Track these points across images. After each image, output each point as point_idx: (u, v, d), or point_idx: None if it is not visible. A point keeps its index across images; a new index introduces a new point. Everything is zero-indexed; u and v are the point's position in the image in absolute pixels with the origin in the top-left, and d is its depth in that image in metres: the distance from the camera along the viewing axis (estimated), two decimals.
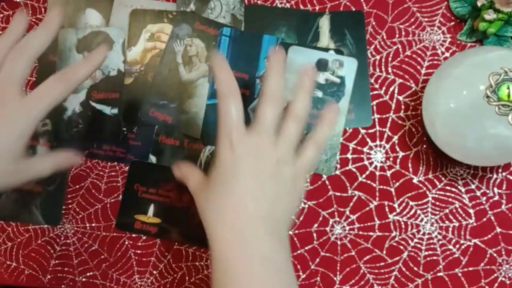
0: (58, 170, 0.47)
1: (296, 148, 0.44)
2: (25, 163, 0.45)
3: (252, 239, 0.40)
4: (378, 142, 0.57)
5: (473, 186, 0.55)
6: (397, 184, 0.56)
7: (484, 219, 0.55)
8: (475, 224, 0.55)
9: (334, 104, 0.48)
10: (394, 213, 0.56)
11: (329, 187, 0.56)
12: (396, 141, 0.57)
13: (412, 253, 0.55)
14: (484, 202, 0.55)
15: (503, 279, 0.54)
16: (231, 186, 0.41)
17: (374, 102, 0.57)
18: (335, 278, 0.55)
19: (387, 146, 0.56)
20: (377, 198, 0.56)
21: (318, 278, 0.56)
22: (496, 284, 0.54)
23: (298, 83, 0.44)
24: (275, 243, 0.41)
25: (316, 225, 0.56)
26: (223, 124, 0.42)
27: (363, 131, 0.57)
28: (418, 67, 0.57)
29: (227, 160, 0.41)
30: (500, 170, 0.55)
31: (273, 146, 0.42)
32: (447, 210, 0.55)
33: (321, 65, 0.57)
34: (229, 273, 0.39)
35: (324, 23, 0.58)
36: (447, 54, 0.57)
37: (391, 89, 0.57)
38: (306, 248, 0.56)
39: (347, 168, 0.56)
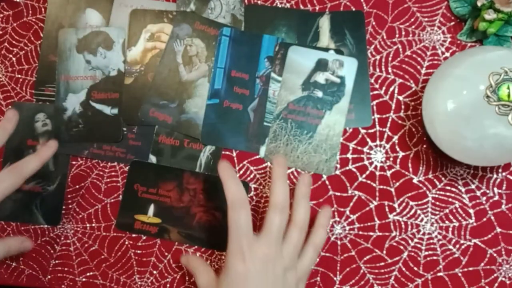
0: (7, 256, 0.53)
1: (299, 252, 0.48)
2: None
3: None
4: (378, 142, 0.57)
5: (473, 186, 0.55)
6: (397, 184, 0.56)
7: (484, 219, 0.55)
8: (475, 224, 0.55)
9: (328, 208, 0.52)
10: (394, 213, 0.56)
11: (329, 187, 0.56)
12: (396, 141, 0.57)
13: (412, 253, 0.55)
14: (484, 202, 0.55)
15: (503, 279, 0.54)
16: None
17: (374, 102, 0.57)
18: (335, 278, 0.55)
19: (387, 146, 0.56)
20: (377, 198, 0.56)
21: (318, 278, 0.56)
22: (496, 284, 0.54)
23: (296, 192, 0.50)
24: None
25: None
26: (234, 233, 0.45)
27: (363, 131, 0.57)
28: (418, 67, 0.57)
29: (238, 269, 0.44)
30: (500, 170, 0.55)
31: (280, 254, 0.46)
32: (447, 210, 0.55)
33: (321, 65, 0.57)
34: None
35: (324, 23, 0.58)
36: (447, 54, 0.57)
37: (391, 89, 0.57)
38: None
39: (347, 168, 0.56)
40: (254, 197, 0.57)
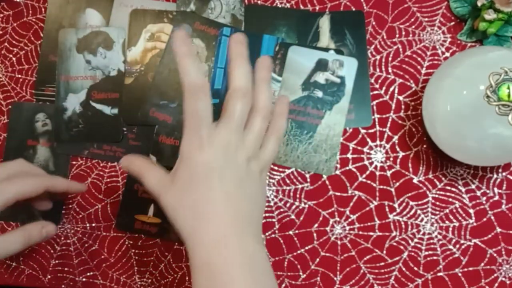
0: (29, 245, 0.48)
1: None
2: None
3: (235, 241, 0.39)
4: (378, 142, 0.57)
5: (473, 186, 0.55)
6: (397, 184, 0.56)
7: (484, 219, 0.55)
8: (475, 224, 0.55)
9: (284, 96, 0.48)
10: (394, 213, 0.56)
11: (329, 187, 0.56)
12: (396, 141, 0.57)
13: (412, 253, 0.55)
14: (484, 202, 0.55)
15: (503, 279, 0.54)
16: (206, 188, 0.40)
17: (374, 102, 0.57)
18: (335, 278, 0.55)
19: (387, 146, 0.56)
20: (377, 198, 0.56)
21: (318, 278, 0.56)
22: (496, 284, 0.54)
23: (256, 76, 0.44)
24: (257, 244, 0.40)
25: (316, 225, 0.56)
26: (192, 120, 0.40)
27: (363, 131, 0.57)
28: (418, 67, 0.57)
29: (198, 159, 0.40)
30: (500, 170, 0.55)
31: (242, 142, 0.42)
32: (447, 210, 0.55)
33: (321, 65, 0.57)
34: (213, 279, 0.38)
35: (324, 23, 0.58)
36: (447, 54, 0.57)
37: (391, 89, 0.57)
38: (306, 248, 0.56)
39: (347, 168, 0.56)
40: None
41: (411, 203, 0.55)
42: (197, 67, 0.40)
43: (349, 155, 0.57)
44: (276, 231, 0.56)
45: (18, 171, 0.48)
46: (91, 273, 0.58)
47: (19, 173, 0.48)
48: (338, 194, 0.56)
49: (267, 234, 0.56)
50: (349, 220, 0.56)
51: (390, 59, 0.58)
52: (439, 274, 0.55)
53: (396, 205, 0.56)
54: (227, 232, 0.39)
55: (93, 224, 0.58)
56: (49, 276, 0.58)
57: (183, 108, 0.41)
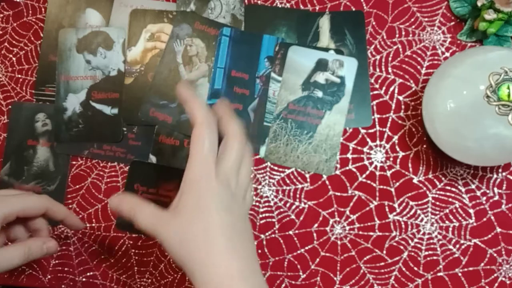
0: (28, 260, 0.47)
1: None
2: None
3: (248, 279, 0.39)
4: (378, 142, 0.57)
5: (473, 186, 0.55)
6: (397, 184, 0.56)
7: (484, 219, 0.55)
8: (475, 224, 0.55)
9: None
10: (394, 213, 0.56)
11: (329, 187, 0.56)
12: (396, 141, 0.57)
13: (412, 253, 0.55)
14: (484, 202, 0.55)
15: (503, 279, 0.54)
16: (215, 219, 0.39)
17: (374, 102, 0.57)
18: (335, 278, 0.55)
19: (387, 146, 0.56)
20: (377, 198, 0.56)
21: (318, 278, 0.56)
22: (496, 284, 0.54)
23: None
24: (262, 277, 0.41)
25: (316, 225, 0.56)
26: (200, 150, 0.41)
27: (363, 131, 0.57)
28: (418, 67, 0.57)
29: (205, 188, 0.40)
30: (500, 170, 0.55)
31: (237, 175, 0.42)
32: (447, 210, 0.55)
33: (321, 65, 0.57)
34: None
35: (324, 23, 0.58)
36: (447, 54, 0.57)
37: (391, 89, 0.57)
38: (306, 248, 0.56)
39: (347, 168, 0.56)
40: (254, 197, 0.57)
41: (411, 203, 0.55)
42: (205, 105, 0.42)
43: (349, 155, 0.57)
44: (276, 231, 0.56)
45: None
46: (91, 273, 0.58)
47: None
48: (338, 194, 0.56)
49: (267, 234, 0.56)
50: (349, 220, 0.56)
51: (390, 59, 0.58)
52: (439, 274, 0.55)
53: (396, 205, 0.56)
54: (240, 267, 0.39)
55: (93, 224, 0.58)
56: (49, 276, 0.58)
57: (192, 138, 0.42)
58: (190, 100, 0.42)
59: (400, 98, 0.57)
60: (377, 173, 0.56)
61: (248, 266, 0.40)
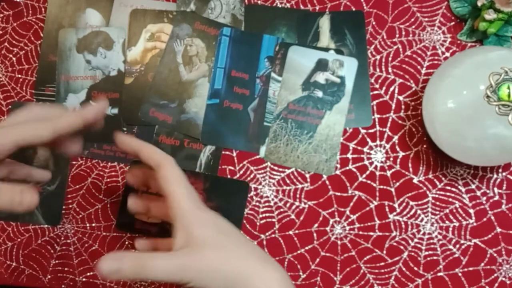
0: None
1: None
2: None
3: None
4: (378, 142, 0.57)
5: (473, 186, 0.55)
6: (397, 184, 0.56)
7: (484, 219, 0.55)
8: (475, 224, 0.55)
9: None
10: (394, 213, 0.56)
11: (329, 187, 0.56)
12: (396, 141, 0.57)
13: (412, 253, 0.55)
14: (484, 202, 0.55)
15: (503, 279, 0.54)
16: (239, 240, 0.40)
17: (374, 102, 0.57)
18: (335, 278, 0.55)
19: (387, 146, 0.56)
20: (377, 198, 0.56)
21: (318, 278, 0.56)
22: (496, 284, 0.54)
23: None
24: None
25: (316, 225, 0.56)
26: (183, 186, 0.40)
27: (363, 131, 0.57)
28: (418, 67, 0.57)
29: (206, 216, 0.40)
30: (500, 170, 0.55)
31: None
32: (447, 210, 0.55)
33: (321, 65, 0.57)
34: None
35: (324, 23, 0.58)
36: (447, 54, 0.57)
37: (391, 89, 0.57)
38: (306, 248, 0.56)
39: (347, 168, 0.56)
40: (254, 197, 0.57)
41: (411, 203, 0.55)
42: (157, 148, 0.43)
43: (349, 155, 0.57)
44: (276, 231, 0.56)
45: (32, 117, 0.43)
46: (91, 273, 0.58)
47: (30, 119, 0.43)
48: (338, 194, 0.56)
49: (267, 234, 0.56)
50: (349, 220, 0.56)
51: (390, 59, 0.58)
52: (439, 274, 0.55)
53: (396, 205, 0.56)
54: (278, 273, 0.39)
55: (93, 224, 0.58)
56: (49, 276, 0.58)
57: (165, 178, 0.41)
58: (144, 147, 0.42)
59: (400, 98, 0.57)
60: (377, 173, 0.56)
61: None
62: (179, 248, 0.38)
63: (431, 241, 0.55)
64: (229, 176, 0.57)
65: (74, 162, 0.59)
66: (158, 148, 0.43)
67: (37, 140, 0.41)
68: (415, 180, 0.56)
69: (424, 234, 0.55)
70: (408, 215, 0.55)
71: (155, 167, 0.41)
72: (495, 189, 0.55)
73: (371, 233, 0.55)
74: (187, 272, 0.37)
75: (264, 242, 0.56)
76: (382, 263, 0.55)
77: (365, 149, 0.57)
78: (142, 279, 0.37)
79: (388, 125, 0.57)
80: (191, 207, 0.40)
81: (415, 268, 0.55)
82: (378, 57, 0.58)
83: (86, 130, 0.45)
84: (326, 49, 0.58)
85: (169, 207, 0.40)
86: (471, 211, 0.55)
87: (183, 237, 0.39)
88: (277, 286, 0.38)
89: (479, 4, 0.53)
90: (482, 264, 0.54)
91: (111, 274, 0.36)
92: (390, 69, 0.57)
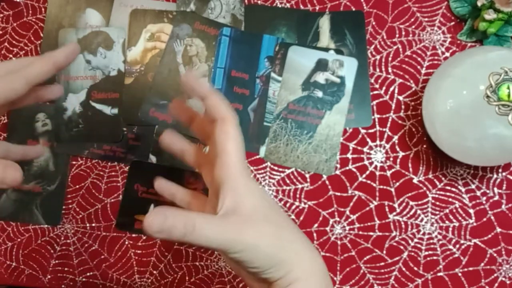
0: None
1: None
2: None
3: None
4: (378, 142, 0.57)
5: (473, 186, 0.55)
6: (397, 184, 0.56)
7: (484, 219, 0.55)
8: (475, 224, 0.55)
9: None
10: (394, 213, 0.56)
11: (329, 187, 0.56)
12: (396, 141, 0.57)
13: (412, 253, 0.55)
14: (484, 202, 0.55)
15: (503, 279, 0.54)
16: (282, 213, 0.38)
17: (374, 102, 0.57)
18: (335, 278, 0.55)
19: (387, 146, 0.56)
20: (377, 198, 0.56)
21: None
22: (496, 284, 0.54)
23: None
24: None
25: (316, 225, 0.56)
26: (240, 149, 0.38)
27: (363, 131, 0.57)
28: (418, 67, 0.57)
29: (256, 186, 0.37)
30: (500, 170, 0.55)
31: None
32: (447, 210, 0.55)
33: (321, 65, 0.57)
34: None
35: (324, 23, 0.58)
36: (447, 54, 0.57)
37: (391, 89, 0.57)
38: None
39: (347, 168, 0.56)
40: None
41: (411, 203, 0.55)
42: (226, 101, 0.39)
43: (349, 155, 0.57)
44: None
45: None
46: (91, 273, 0.58)
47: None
48: (338, 194, 0.56)
49: None
50: (349, 220, 0.56)
51: (390, 59, 0.58)
52: (439, 274, 0.55)
53: (396, 205, 0.56)
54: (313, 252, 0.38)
55: (93, 224, 0.58)
56: (49, 276, 0.58)
57: (221, 134, 0.38)
58: (211, 95, 0.39)
59: (400, 98, 0.57)
60: (377, 173, 0.56)
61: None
62: (227, 214, 0.35)
63: (431, 241, 0.55)
64: None
65: (74, 162, 0.59)
66: (224, 100, 0.39)
67: (12, 94, 0.39)
68: (415, 180, 0.56)
69: (424, 234, 0.55)
70: (408, 215, 0.55)
71: (219, 119, 0.38)
72: (495, 189, 0.55)
73: (371, 233, 0.55)
74: (238, 244, 0.34)
75: None
76: (382, 263, 0.55)
77: (365, 149, 0.57)
78: (186, 242, 0.33)
79: (388, 125, 0.57)
80: (243, 173, 0.37)
81: (415, 268, 0.55)
82: (378, 57, 0.58)
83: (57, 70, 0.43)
84: (326, 49, 0.58)
85: (220, 166, 0.37)
86: (471, 211, 0.55)
87: (232, 202, 0.36)
88: (315, 280, 0.37)
89: (479, 4, 0.53)
90: (482, 264, 0.54)
91: (160, 232, 0.32)
92: (390, 69, 0.57)
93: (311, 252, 0.38)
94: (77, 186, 0.59)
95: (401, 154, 0.56)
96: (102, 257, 0.58)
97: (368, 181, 0.56)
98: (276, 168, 0.57)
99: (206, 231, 0.33)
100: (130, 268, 0.57)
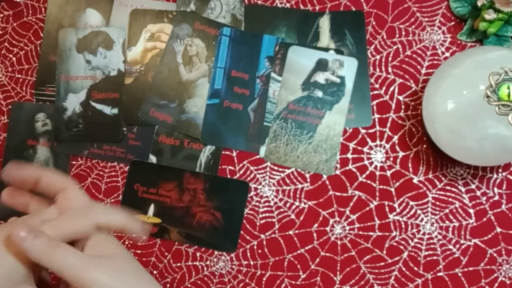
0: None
1: None
2: None
3: None
4: (378, 142, 0.57)
5: (473, 186, 0.55)
6: (397, 184, 0.56)
7: (484, 219, 0.55)
8: (475, 224, 0.55)
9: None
10: (394, 213, 0.56)
11: (329, 187, 0.56)
12: (396, 141, 0.57)
13: (412, 253, 0.55)
14: (484, 202, 0.55)
15: (503, 279, 0.54)
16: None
17: (374, 102, 0.57)
18: (335, 278, 0.55)
19: (387, 146, 0.56)
20: (377, 198, 0.56)
21: (318, 278, 0.56)
22: (496, 284, 0.54)
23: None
24: None
25: (316, 225, 0.56)
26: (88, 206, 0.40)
27: (363, 131, 0.57)
28: (418, 67, 0.57)
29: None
30: (500, 170, 0.55)
31: None
32: (447, 210, 0.55)
33: (321, 65, 0.57)
34: None
35: (324, 23, 0.58)
36: (447, 54, 0.57)
37: (391, 89, 0.57)
38: (306, 248, 0.56)
39: (347, 168, 0.56)
40: (254, 197, 0.57)
41: (411, 203, 0.55)
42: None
43: (349, 155, 0.57)
44: (276, 231, 0.56)
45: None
46: None
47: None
48: (338, 194, 0.56)
49: (267, 234, 0.56)
50: (349, 220, 0.56)
51: (390, 59, 0.58)
52: (439, 274, 0.55)
53: (396, 205, 0.56)
54: None
55: None
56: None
57: (67, 197, 0.39)
58: (43, 173, 0.39)
59: (400, 98, 0.57)
60: (377, 173, 0.56)
61: None
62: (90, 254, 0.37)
63: (431, 241, 0.55)
64: (229, 176, 0.57)
65: (74, 162, 0.59)
66: (58, 172, 0.40)
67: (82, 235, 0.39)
68: (415, 180, 0.56)
69: (424, 234, 0.55)
70: (408, 215, 0.55)
71: (59, 192, 0.39)
72: (495, 189, 0.55)
73: (371, 233, 0.56)
74: (90, 275, 0.35)
75: (264, 242, 0.56)
76: (382, 263, 0.55)
77: (365, 149, 0.57)
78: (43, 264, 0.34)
79: (388, 125, 0.57)
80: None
81: (415, 268, 0.55)
82: (378, 57, 0.58)
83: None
84: (326, 49, 0.58)
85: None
86: (471, 211, 0.55)
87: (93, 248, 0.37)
88: None
89: (479, 4, 0.53)
90: (482, 264, 0.54)
91: (20, 241, 0.33)
92: (390, 69, 0.57)
93: None
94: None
95: (401, 154, 0.56)
96: None
97: (368, 181, 0.56)
98: (276, 168, 0.57)
99: (69, 262, 0.35)
100: None
